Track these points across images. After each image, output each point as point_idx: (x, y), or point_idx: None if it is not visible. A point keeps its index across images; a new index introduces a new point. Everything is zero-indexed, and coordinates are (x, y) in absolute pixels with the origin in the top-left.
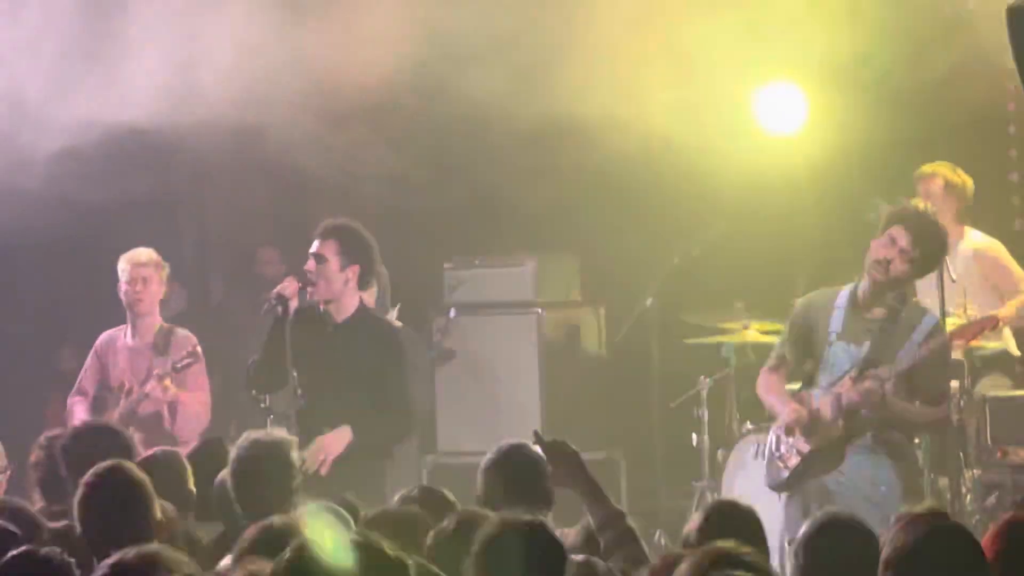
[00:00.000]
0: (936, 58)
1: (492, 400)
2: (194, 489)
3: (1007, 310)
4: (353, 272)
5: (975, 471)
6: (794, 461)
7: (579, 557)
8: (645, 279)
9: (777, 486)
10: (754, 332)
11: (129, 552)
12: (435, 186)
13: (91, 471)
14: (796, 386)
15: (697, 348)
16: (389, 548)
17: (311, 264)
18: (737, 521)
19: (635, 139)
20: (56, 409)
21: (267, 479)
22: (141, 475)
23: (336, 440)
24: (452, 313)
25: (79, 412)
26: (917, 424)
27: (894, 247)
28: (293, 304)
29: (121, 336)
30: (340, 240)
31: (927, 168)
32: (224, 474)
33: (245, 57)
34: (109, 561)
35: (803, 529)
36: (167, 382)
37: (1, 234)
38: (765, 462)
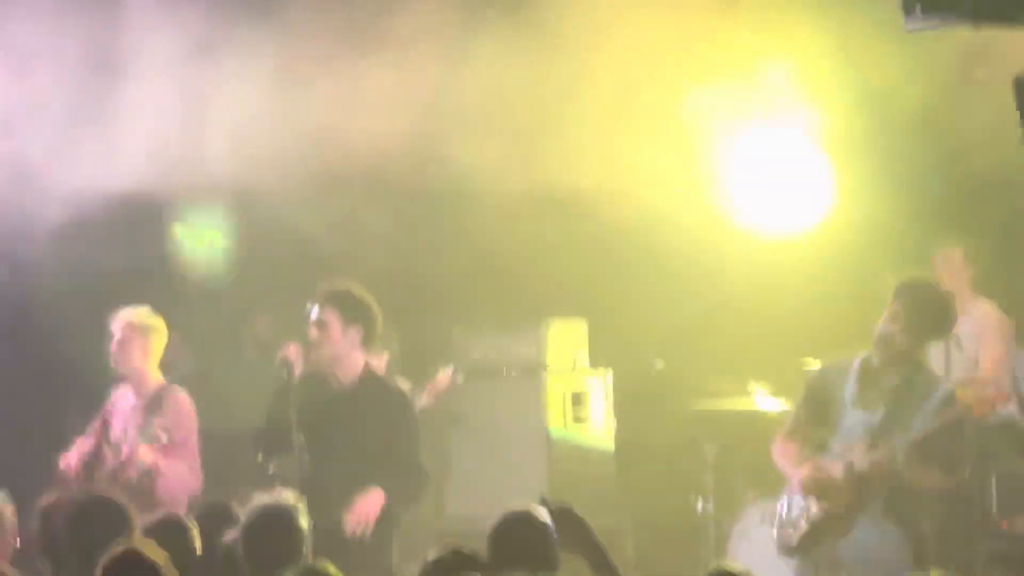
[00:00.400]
0: (949, 129)
1: (500, 463)
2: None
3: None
4: (356, 332)
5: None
6: (804, 526)
7: None
8: (652, 344)
9: (788, 551)
10: (760, 400)
11: None
12: (439, 251)
13: (107, 557)
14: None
15: (703, 414)
16: None
17: (313, 332)
18: None
19: (640, 209)
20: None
21: (276, 543)
22: (154, 557)
23: (371, 501)
24: (459, 379)
25: (71, 461)
26: (927, 490)
27: (896, 322)
28: (297, 369)
29: (124, 394)
30: (339, 304)
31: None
32: (231, 535)
33: (245, 121)
34: None
35: None
36: (143, 448)
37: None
38: (776, 527)
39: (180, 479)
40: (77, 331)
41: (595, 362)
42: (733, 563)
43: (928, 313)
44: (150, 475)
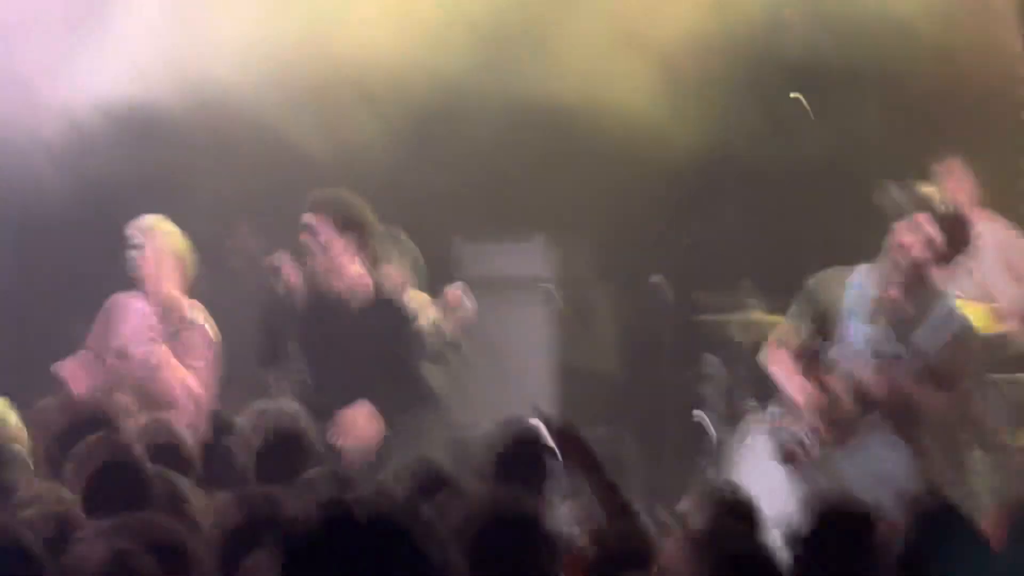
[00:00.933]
0: (946, 44)
1: (502, 377)
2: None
3: None
4: (350, 239)
5: (982, 453)
6: (803, 437)
7: None
8: (656, 257)
9: (787, 460)
10: (761, 312)
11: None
12: (437, 163)
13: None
14: None
15: (705, 325)
16: None
17: (305, 237)
18: (734, 508)
19: (643, 120)
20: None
21: (288, 448)
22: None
23: (359, 418)
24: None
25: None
26: (930, 410)
27: (919, 233)
28: (292, 278)
29: (135, 299)
30: (330, 211)
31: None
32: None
33: (240, 30)
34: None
35: (800, 519)
36: (155, 347)
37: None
38: (770, 436)
39: (181, 383)
40: (81, 242)
41: (595, 276)
42: (737, 485)
43: (953, 235)
44: (155, 374)
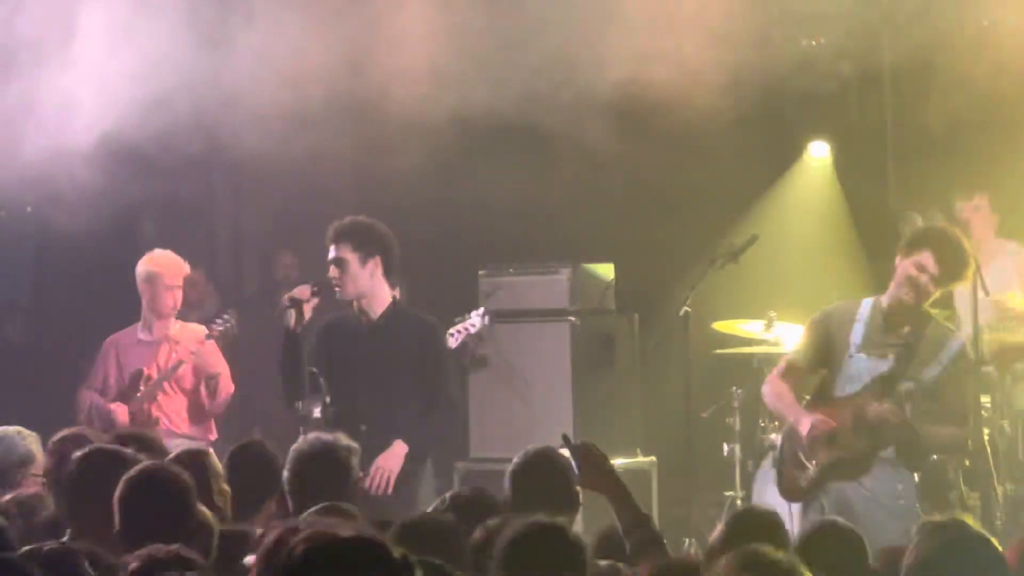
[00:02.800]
0: (968, 71)
1: (525, 407)
2: (228, 489)
3: None
4: (376, 263)
5: (1007, 486)
6: (811, 470)
7: (604, 563)
8: (679, 288)
9: (793, 494)
10: (785, 342)
11: (160, 549)
12: (466, 190)
13: (132, 472)
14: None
15: (729, 358)
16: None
17: (333, 271)
18: (761, 527)
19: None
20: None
21: (325, 478)
22: (188, 479)
23: (393, 457)
24: (487, 319)
25: (91, 399)
26: (937, 443)
27: (924, 272)
28: (308, 309)
29: (133, 333)
30: (354, 238)
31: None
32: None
33: (275, 62)
34: (142, 553)
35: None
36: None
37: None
38: (774, 468)
39: (225, 387)
40: (103, 271)
41: (621, 306)
42: (758, 505)
43: (952, 263)
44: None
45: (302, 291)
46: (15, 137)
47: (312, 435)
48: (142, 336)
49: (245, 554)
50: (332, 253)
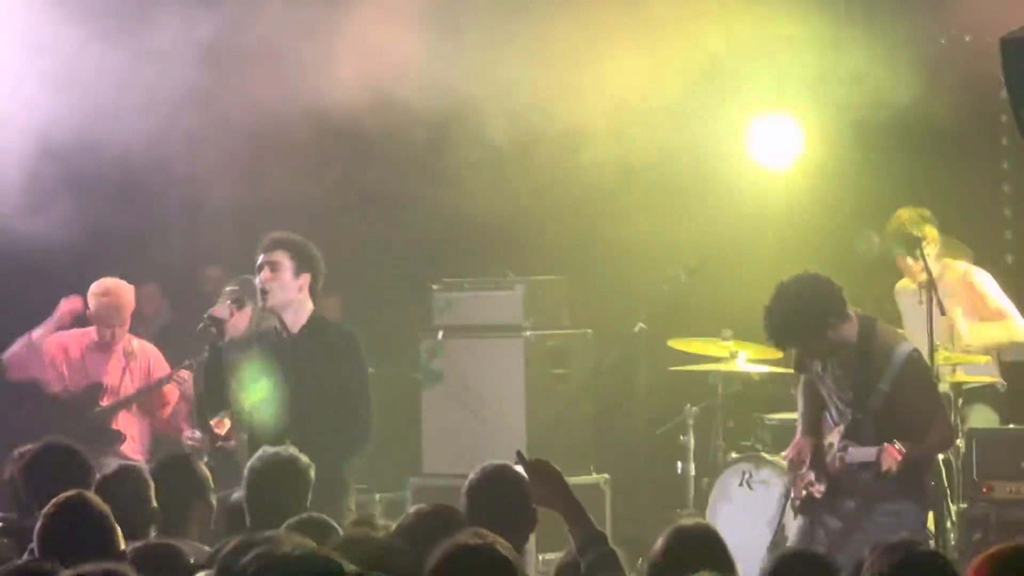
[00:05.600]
0: (930, 90)
1: (478, 423)
2: (156, 505)
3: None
4: (304, 280)
5: (961, 505)
6: (822, 487)
7: None
8: (634, 304)
9: (805, 509)
10: (741, 361)
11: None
12: (415, 208)
13: (52, 503)
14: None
15: (684, 375)
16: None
17: (265, 274)
18: (699, 544)
19: (623, 158)
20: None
21: (281, 492)
22: (102, 506)
23: None
24: (440, 335)
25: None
26: (928, 453)
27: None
28: (228, 327)
29: (83, 338)
30: (290, 249)
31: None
32: (238, 495)
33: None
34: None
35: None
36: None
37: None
38: (792, 490)
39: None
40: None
41: (576, 322)
42: (694, 519)
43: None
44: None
45: (220, 310)
46: None
47: (271, 451)
48: (97, 345)
49: (177, 569)
50: (266, 257)
